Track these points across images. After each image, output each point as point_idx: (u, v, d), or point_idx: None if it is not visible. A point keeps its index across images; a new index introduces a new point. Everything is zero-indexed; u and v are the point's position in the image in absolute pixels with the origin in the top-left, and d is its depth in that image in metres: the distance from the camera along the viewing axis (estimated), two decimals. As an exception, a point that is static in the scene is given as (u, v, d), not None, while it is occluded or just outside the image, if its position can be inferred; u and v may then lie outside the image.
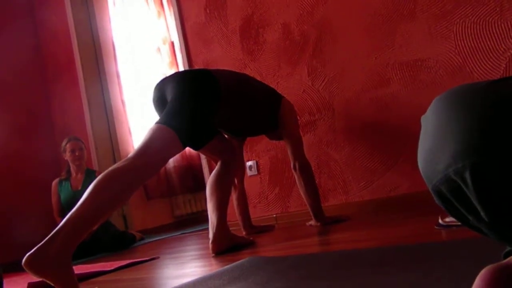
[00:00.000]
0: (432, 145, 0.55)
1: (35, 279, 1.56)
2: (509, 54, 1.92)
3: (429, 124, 0.57)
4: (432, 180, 0.56)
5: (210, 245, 1.85)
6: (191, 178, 4.55)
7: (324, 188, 2.49)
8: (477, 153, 0.50)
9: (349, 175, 2.43)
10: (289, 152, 2.17)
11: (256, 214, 2.72)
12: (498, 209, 0.52)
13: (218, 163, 2.05)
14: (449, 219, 1.36)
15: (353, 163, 2.42)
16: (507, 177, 0.50)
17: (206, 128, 1.77)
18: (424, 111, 1.78)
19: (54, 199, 3.25)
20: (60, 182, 3.27)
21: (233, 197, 2.40)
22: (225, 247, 1.86)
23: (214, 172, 2.03)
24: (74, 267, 1.31)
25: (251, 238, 2.00)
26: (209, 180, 2.03)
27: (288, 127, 2.16)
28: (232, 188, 2.36)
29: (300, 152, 2.15)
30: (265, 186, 2.76)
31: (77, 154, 3.25)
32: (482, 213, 0.53)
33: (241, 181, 2.41)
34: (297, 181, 2.17)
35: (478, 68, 2.00)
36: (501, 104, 0.50)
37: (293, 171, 2.16)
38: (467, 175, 0.50)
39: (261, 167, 2.77)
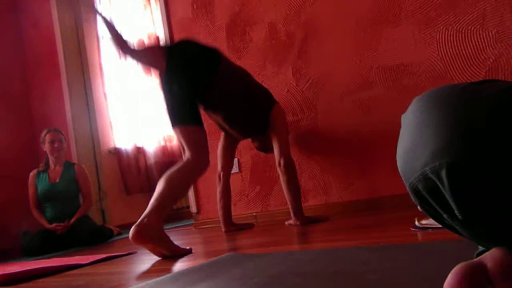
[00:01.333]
0: (411, 143, 0.56)
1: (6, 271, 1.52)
2: (489, 62, 1.97)
3: (409, 123, 0.58)
4: (409, 178, 0.57)
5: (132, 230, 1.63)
6: (172, 175, 4.51)
7: (304, 188, 2.51)
8: (454, 152, 0.51)
9: (330, 176, 2.45)
10: (275, 149, 2.19)
11: (236, 212, 2.72)
12: (472, 208, 0.53)
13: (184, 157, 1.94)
14: (425, 221, 1.39)
15: (334, 164, 2.44)
16: (482, 177, 0.51)
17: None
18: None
19: (30, 191, 3.19)
20: (38, 173, 3.21)
21: (217, 191, 2.42)
22: (143, 241, 1.64)
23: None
24: (49, 260, 1.30)
25: (189, 248, 1.74)
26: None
27: (278, 126, 2.21)
28: (217, 182, 2.42)
29: (287, 150, 2.19)
30: (246, 184, 2.77)
31: (56, 145, 3.19)
32: (456, 212, 0.54)
33: (227, 176, 2.43)
34: (281, 178, 2.18)
35: (459, 75, 2.04)
36: (478, 105, 0.51)
37: (277, 167, 2.17)
38: (443, 174, 0.52)
39: (242, 165, 2.78)
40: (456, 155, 0.51)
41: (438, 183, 0.53)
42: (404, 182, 0.61)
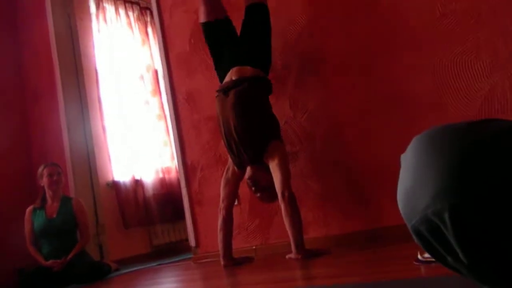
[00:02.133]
0: (411, 184, 0.56)
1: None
2: (484, 92, 1.98)
3: (408, 164, 0.58)
4: (411, 220, 0.56)
5: None
6: (171, 207, 4.48)
7: (304, 220, 2.47)
8: (456, 194, 0.50)
9: (330, 207, 2.43)
10: (277, 181, 2.17)
11: (235, 245, 2.67)
12: (477, 251, 0.52)
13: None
14: (428, 255, 1.36)
15: (334, 195, 2.42)
16: (485, 219, 0.50)
17: None
18: (402, 145, 1.81)
19: (27, 227, 3.14)
20: (34, 210, 3.18)
21: (218, 223, 2.37)
22: None
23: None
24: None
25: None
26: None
27: (280, 158, 2.19)
28: (218, 214, 2.39)
29: (289, 182, 2.17)
30: (245, 216, 2.74)
31: (54, 178, 3.17)
32: (460, 255, 0.53)
33: (229, 208, 2.39)
34: (283, 210, 2.15)
35: (455, 105, 2.05)
36: (477, 147, 0.51)
37: (280, 200, 2.14)
38: (446, 216, 0.51)
39: (241, 197, 2.75)
40: (458, 197, 0.50)
41: (441, 225, 0.52)
42: (406, 223, 0.60)
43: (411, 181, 0.56)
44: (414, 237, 0.58)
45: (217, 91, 2.41)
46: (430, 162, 0.53)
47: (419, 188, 0.54)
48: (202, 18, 2.54)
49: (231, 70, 2.38)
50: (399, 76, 2.21)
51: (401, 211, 0.60)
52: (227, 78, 2.39)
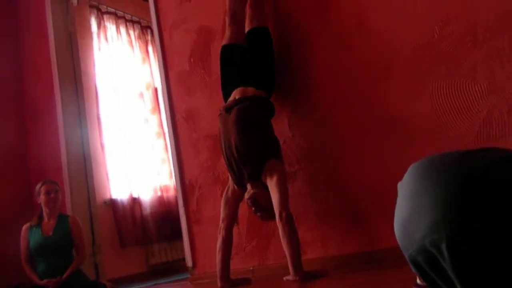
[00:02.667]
0: (408, 214, 0.55)
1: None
2: (482, 114, 1.99)
3: (405, 192, 0.57)
4: (408, 249, 0.56)
5: None
6: (168, 226, 4.45)
7: (302, 240, 2.44)
8: (453, 225, 0.50)
9: (328, 228, 2.41)
10: (275, 201, 2.15)
11: (233, 265, 2.64)
12: (474, 282, 0.51)
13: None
14: (427, 279, 1.35)
15: (332, 216, 2.40)
16: (483, 250, 0.50)
17: None
18: (400, 166, 1.80)
19: (22, 245, 3.12)
20: (30, 227, 3.15)
21: (217, 243, 2.35)
22: None
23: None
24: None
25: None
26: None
27: (279, 178, 2.18)
28: (218, 234, 2.37)
29: (287, 203, 2.16)
30: (243, 237, 2.71)
31: (52, 196, 3.16)
32: (458, 286, 0.53)
33: (228, 228, 2.36)
34: (280, 231, 2.13)
35: (454, 127, 2.05)
36: (473, 177, 0.51)
37: (278, 220, 2.13)
38: (443, 247, 0.50)
39: (239, 217, 2.73)
40: (455, 228, 0.50)
41: (438, 256, 0.52)
42: (403, 252, 0.59)
43: (407, 210, 0.55)
44: (411, 266, 0.58)
45: (220, 109, 2.44)
46: (427, 192, 0.53)
47: (416, 218, 0.53)
48: (223, 41, 2.65)
49: (235, 91, 2.44)
50: (396, 98, 2.22)
51: (398, 240, 0.59)
52: (230, 98, 2.44)
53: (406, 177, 0.59)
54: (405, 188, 0.57)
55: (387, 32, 2.26)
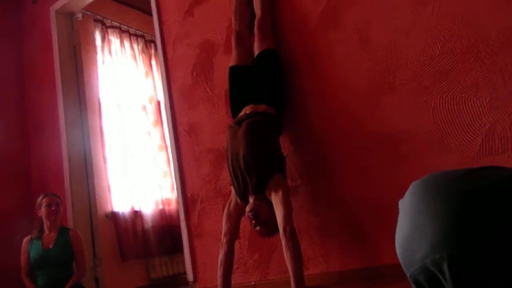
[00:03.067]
0: (409, 232, 0.55)
1: None
2: (485, 129, 1.98)
3: (406, 211, 0.57)
4: (410, 269, 0.55)
5: None
6: (169, 239, 4.43)
7: (304, 255, 2.43)
8: (455, 245, 0.49)
9: (330, 243, 2.39)
10: (279, 216, 2.15)
11: (234, 280, 2.62)
12: (477, 303, 0.51)
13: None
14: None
15: (334, 230, 2.39)
16: (485, 270, 0.49)
17: None
18: (402, 182, 1.79)
19: (23, 258, 3.11)
20: (31, 240, 3.14)
21: (219, 257, 2.33)
22: None
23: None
24: None
25: None
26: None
27: (284, 193, 2.18)
28: (220, 248, 2.35)
29: (291, 218, 2.16)
30: (244, 251, 2.69)
31: (53, 208, 3.16)
32: (461, 307, 0.52)
33: (231, 242, 2.35)
34: (284, 245, 2.11)
35: (456, 142, 2.05)
36: (475, 196, 0.50)
37: (281, 234, 2.11)
38: (445, 267, 0.50)
39: (241, 231, 2.71)
40: (457, 247, 0.49)
41: (440, 276, 0.51)
42: (404, 271, 0.58)
43: (409, 228, 0.55)
44: (413, 286, 0.57)
45: (230, 123, 2.49)
46: (428, 211, 0.52)
47: (417, 237, 0.53)
48: (231, 63, 2.69)
49: (246, 107, 2.48)
50: (399, 113, 2.22)
51: (399, 259, 0.59)
52: (241, 113, 2.48)
53: (407, 195, 0.58)
54: (406, 206, 0.57)
55: (389, 47, 2.27)
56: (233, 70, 2.67)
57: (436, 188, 0.54)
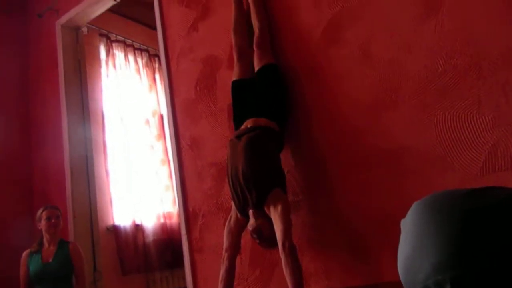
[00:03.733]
0: (411, 253, 0.55)
1: None
2: (488, 147, 1.98)
3: (408, 231, 0.57)
4: (412, 289, 0.55)
5: None
6: (170, 253, 4.41)
7: (305, 271, 2.41)
8: (457, 266, 0.49)
9: (331, 259, 2.37)
10: (278, 231, 2.14)
11: (235, 296, 2.61)
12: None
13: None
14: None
15: (336, 247, 2.37)
16: (488, 291, 0.49)
17: None
18: (405, 199, 1.78)
19: (22, 272, 3.09)
20: (31, 254, 3.13)
21: (220, 273, 2.31)
22: None
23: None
24: None
25: None
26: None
27: (283, 208, 2.17)
28: (221, 263, 2.34)
29: (290, 233, 2.14)
30: (246, 267, 2.67)
31: (53, 221, 3.15)
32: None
33: (232, 257, 2.34)
34: (283, 261, 2.10)
35: (459, 159, 2.04)
36: (477, 216, 0.50)
37: (281, 250, 2.10)
38: (448, 288, 0.49)
39: (242, 246, 2.69)
40: (458, 269, 0.49)
41: (443, 297, 0.51)
42: (406, 291, 0.58)
43: (411, 249, 0.55)
44: (415, 306, 0.56)
45: (231, 137, 2.49)
46: (430, 231, 0.52)
47: (419, 257, 0.53)
48: (233, 77, 2.72)
49: (247, 121, 2.49)
50: (401, 129, 2.22)
51: (401, 278, 0.58)
52: (242, 127, 2.49)
53: (410, 214, 0.58)
54: (408, 226, 0.57)
55: (391, 64, 2.28)
56: (235, 85, 2.69)
57: (438, 208, 0.54)
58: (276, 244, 2.20)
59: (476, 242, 0.49)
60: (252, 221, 2.27)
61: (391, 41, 2.29)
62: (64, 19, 4.17)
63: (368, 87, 2.35)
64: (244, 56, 2.74)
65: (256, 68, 2.64)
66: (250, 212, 2.28)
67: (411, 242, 0.55)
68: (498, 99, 1.98)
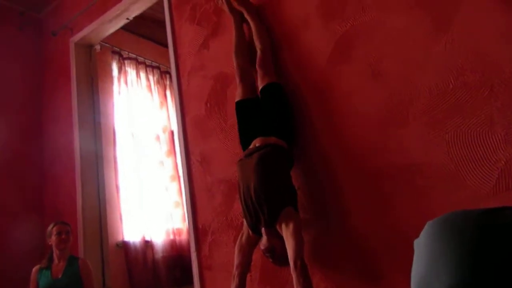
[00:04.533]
0: (425, 274, 0.54)
1: None
2: (501, 164, 1.95)
3: (422, 251, 0.56)
4: (426, 312, 0.54)
5: None
6: (180, 270, 4.38)
7: (316, 291, 2.38)
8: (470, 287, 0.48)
9: (343, 278, 2.34)
10: (290, 249, 2.12)
11: (244, 315, 2.57)
12: None
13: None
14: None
15: (348, 265, 2.34)
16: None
17: None
18: (417, 217, 1.76)
19: (31, 287, 3.09)
20: (40, 270, 3.14)
21: None
22: None
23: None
24: None
25: None
26: None
27: (295, 226, 2.16)
28: (231, 281, 2.32)
29: (302, 251, 2.13)
30: (255, 285, 2.65)
31: (63, 237, 3.16)
32: None
33: (242, 274, 2.32)
34: (295, 280, 2.07)
35: (471, 176, 2.02)
36: (491, 237, 0.49)
37: (292, 269, 2.08)
38: (461, 311, 0.49)
39: (252, 263, 2.68)
40: (473, 291, 0.48)
41: (457, 319, 0.50)
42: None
43: (424, 270, 0.54)
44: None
45: (240, 157, 2.50)
46: (442, 253, 0.51)
47: (433, 278, 0.52)
48: (237, 98, 2.75)
49: (255, 140, 2.49)
50: (412, 147, 2.20)
51: (415, 300, 0.57)
52: (251, 146, 2.49)
53: (423, 235, 0.57)
54: (421, 247, 0.56)
55: (402, 81, 2.28)
56: (239, 105, 2.71)
57: (451, 228, 0.53)
58: (288, 262, 2.18)
59: (488, 263, 0.48)
60: (264, 239, 2.27)
61: (401, 59, 2.30)
62: (77, 37, 4.25)
63: (378, 104, 2.34)
64: (247, 77, 2.77)
65: (260, 88, 2.67)
66: (262, 229, 2.28)
67: (424, 262, 0.54)
68: (510, 116, 1.96)
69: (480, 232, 0.51)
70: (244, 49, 2.86)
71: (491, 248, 0.49)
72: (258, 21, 2.84)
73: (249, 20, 2.86)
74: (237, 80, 2.79)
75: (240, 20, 2.92)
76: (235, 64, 2.84)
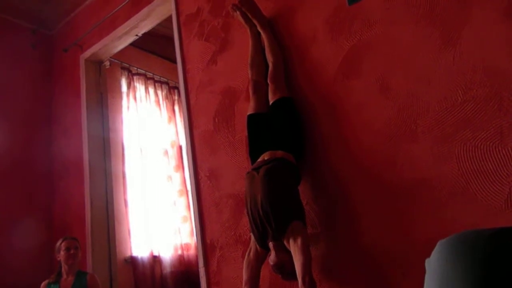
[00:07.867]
0: (438, 294, 0.53)
1: None
2: (511, 179, 1.93)
3: (433, 271, 0.55)
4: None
5: None
6: (188, 286, 4.36)
7: (326, 307, 2.35)
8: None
9: (353, 295, 2.31)
10: (298, 265, 2.10)
11: (253, 332, 2.54)
12: None
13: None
14: None
15: (357, 281, 2.31)
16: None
17: None
18: (427, 233, 1.74)
19: (40, 303, 3.09)
20: (49, 285, 3.14)
21: None
22: None
23: None
24: None
25: None
26: None
27: (303, 242, 2.14)
28: None
29: (310, 267, 2.11)
30: (264, 301, 2.62)
31: (72, 252, 3.17)
32: None
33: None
34: None
35: (482, 191, 2.00)
36: (502, 262, 0.49)
37: (300, 285, 2.06)
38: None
39: (261, 279, 2.65)
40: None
41: None
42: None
43: (436, 289, 0.53)
44: None
45: (249, 170, 2.50)
46: (453, 274, 0.51)
47: (445, 300, 0.51)
48: (249, 111, 2.76)
49: (264, 154, 2.50)
50: (422, 161, 2.19)
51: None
52: (259, 159, 2.49)
53: (434, 255, 0.57)
54: (432, 267, 0.55)
55: (410, 95, 2.28)
56: (251, 118, 2.72)
57: (461, 249, 0.52)
58: (297, 277, 2.16)
59: (500, 286, 0.47)
60: (272, 255, 2.25)
61: (409, 73, 2.30)
62: (87, 53, 4.31)
63: (387, 119, 2.34)
64: (260, 90, 2.77)
65: (271, 102, 2.68)
66: (270, 244, 2.26)
67: (436, 284, 0.53)
68: (521, 130, 1.94)
69: (491, 255, 0.50)
70: (260, 62, 2.86)
71: (502, 272, 0.48)
72: (270, 34, 2.85)
73: (262, 33, 2.87)
74: (250, 92, 2.80)
75: (256, 32, 2.92)
76: (249, 77, 2.85)
